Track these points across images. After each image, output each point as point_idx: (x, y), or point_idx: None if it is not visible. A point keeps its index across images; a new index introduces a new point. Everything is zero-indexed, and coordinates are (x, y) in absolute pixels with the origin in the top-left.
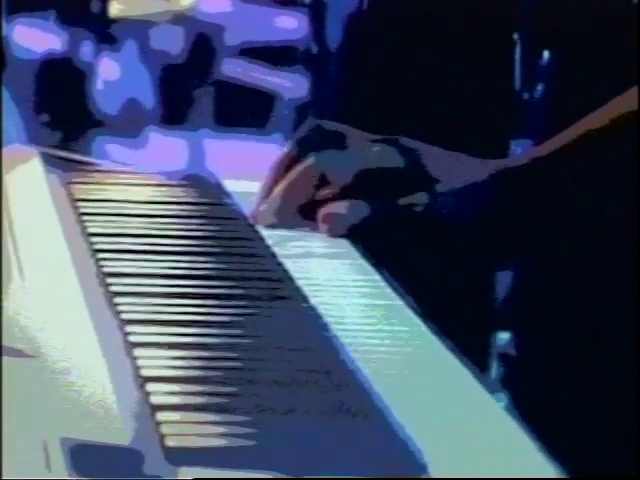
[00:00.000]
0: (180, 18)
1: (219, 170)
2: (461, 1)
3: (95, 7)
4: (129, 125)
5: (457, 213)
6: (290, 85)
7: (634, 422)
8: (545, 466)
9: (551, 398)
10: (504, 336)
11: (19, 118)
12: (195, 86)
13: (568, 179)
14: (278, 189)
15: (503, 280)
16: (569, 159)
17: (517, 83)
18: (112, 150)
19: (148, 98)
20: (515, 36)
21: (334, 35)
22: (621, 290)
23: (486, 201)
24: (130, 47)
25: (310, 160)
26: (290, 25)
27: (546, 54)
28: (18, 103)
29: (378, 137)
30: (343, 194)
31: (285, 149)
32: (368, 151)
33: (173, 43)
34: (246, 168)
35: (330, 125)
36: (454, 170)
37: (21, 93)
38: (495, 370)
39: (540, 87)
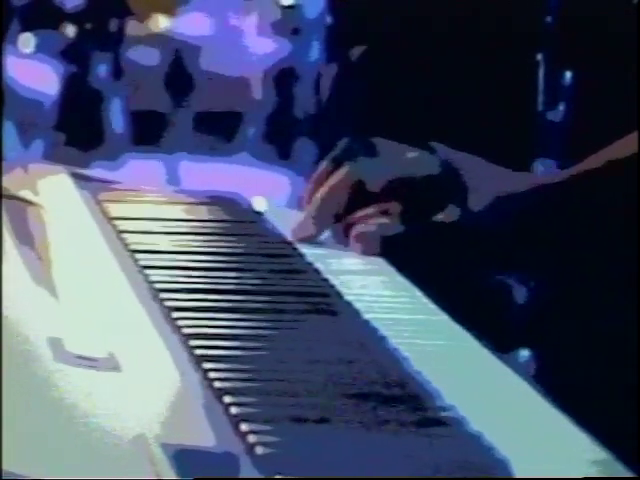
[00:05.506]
0: (157, 39)
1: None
2: (485, 23)
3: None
4: (105, 148)
5: (488, 225)
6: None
7: None
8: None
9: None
10: (524, 353)
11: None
12: (171, 109)
13: (599, 200)
14: (315, 197)
15: (523, 297)
16: (601, 180)
17: (540, 103)
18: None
19: (122, 121)
20: (538, 57)
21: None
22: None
23: (518, 214)
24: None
25: (346, 168)
26: (269, 49)
27: (568, 75)
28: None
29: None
30: (378, 204)
31: (322, 164)
32: (403, 157)
33: (149, 64)
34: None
35: (363, 140)
36: (488, 179)
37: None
38: None
39: (562, 107)
